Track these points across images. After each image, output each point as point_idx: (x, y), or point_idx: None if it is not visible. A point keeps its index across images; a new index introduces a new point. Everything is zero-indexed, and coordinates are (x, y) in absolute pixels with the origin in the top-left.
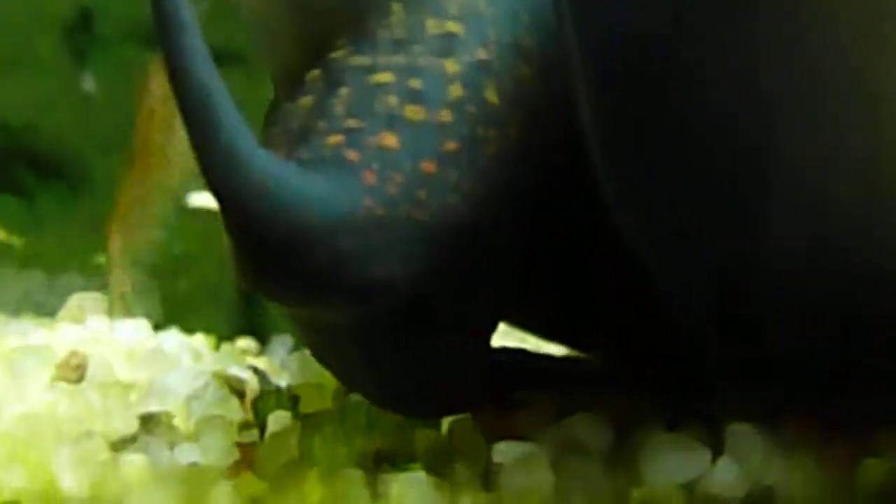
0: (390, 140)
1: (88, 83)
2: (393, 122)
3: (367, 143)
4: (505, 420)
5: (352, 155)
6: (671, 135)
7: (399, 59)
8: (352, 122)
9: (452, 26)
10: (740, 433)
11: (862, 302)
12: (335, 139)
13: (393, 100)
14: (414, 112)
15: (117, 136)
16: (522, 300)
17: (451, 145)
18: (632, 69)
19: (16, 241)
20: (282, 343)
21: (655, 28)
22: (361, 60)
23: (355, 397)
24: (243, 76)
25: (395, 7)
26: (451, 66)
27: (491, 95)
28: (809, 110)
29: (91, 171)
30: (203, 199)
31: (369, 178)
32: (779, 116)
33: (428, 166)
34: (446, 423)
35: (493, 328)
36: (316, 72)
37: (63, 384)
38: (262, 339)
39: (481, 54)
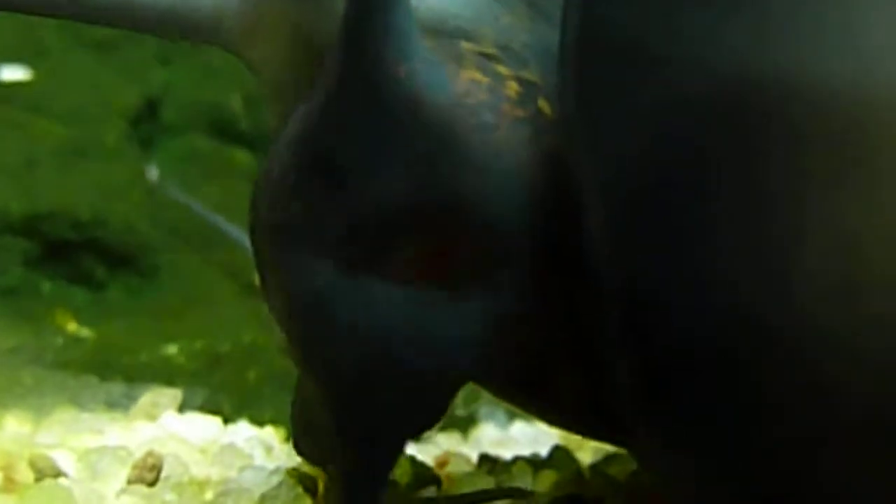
0: (472, 74)
1: (153, 173)
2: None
3: (460, 70)
4: None
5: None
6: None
7: (443, 54)
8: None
9: (490, 50)
10: None
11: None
12: None
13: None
14: (476, 75)
15: (185, 225)
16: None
17: (520, 112)
18: (644, 196)
19: (86, 332)
20: None
21: (666, 172)
22: None
23: (427, 494)
24: None
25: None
26: (500, 68)
27: (545, 107)
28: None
29: (160, 260)
30: None
31: (464, 75)
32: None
33: (505, 107)
34: None
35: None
36: None
37: (139, 486)
38: None
39: (528, 75)
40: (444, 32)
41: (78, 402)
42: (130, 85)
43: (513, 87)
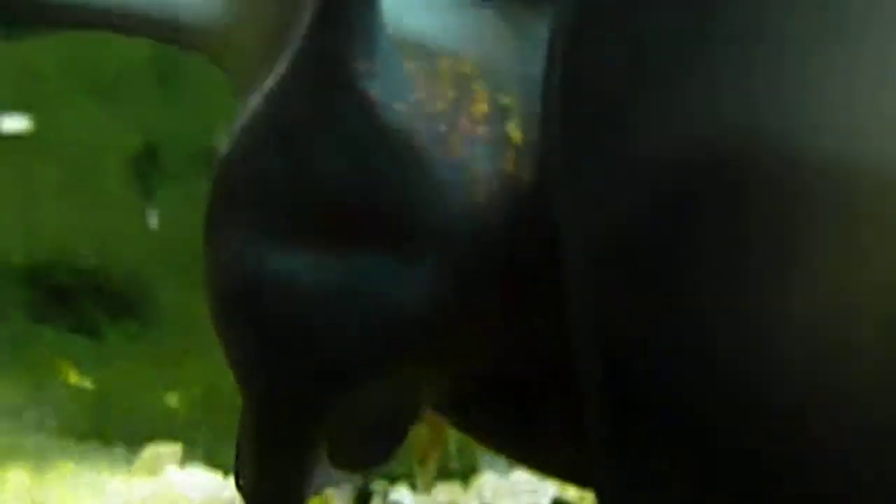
0: (432, 83)
1: (153, 217)
2: (428, 80)
3: (420, 77)
4: None
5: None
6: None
7: (417, 64)
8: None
9: (468, 69)
10: None
11: None
12: None
13: (421, 78)
14: (444, 88)
15: (185, 270)
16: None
17: (481, 130)
18: (627, 267)
19: (87, 382)
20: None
21: (652, 226)
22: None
23: None
24: None
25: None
26: (474, 85)
27: (513, 131)
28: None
29: (161, 306)
30: None
31: (422, 83)
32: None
33: (464, 123)
34: None
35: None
36: None
37: None
38: None
39: (503, 98)
40: (425, 49)
41: (79, 458)
42: (130, 129)
43: (480, 107)
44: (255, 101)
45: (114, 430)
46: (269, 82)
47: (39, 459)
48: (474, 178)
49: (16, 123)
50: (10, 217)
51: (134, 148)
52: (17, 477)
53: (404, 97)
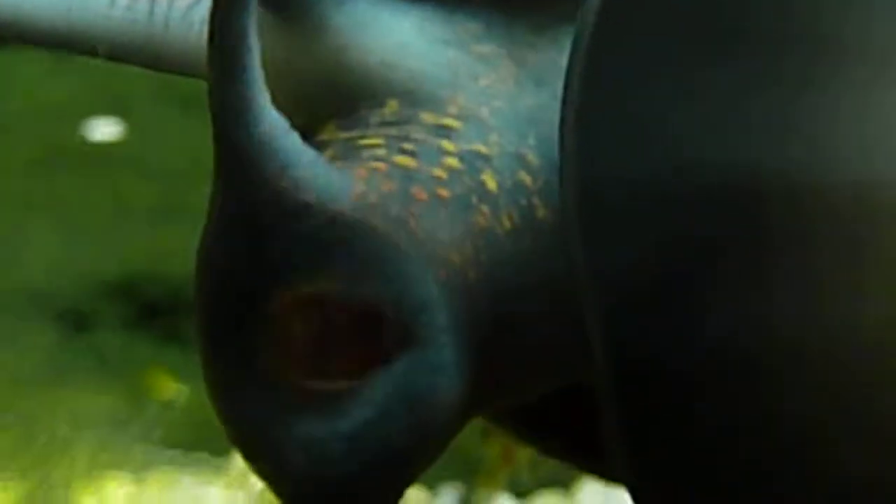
0: (379, 165)
1: None
2: (380, 160)
3: (357, 169)
4: None
5: (341, 165)
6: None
7: (390, 130)
8: (339, 164)
9: (450, 121)
10: None
11: None
12: None
13: (381, 151)
14: (404, 160)
15: None
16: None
17: (444, 192)
18: (645, 300)
19: (182, 392)
20: None
21: (672, 264)
22: (348, 134)
23: None
24: None
25: (391, 101)
26: (446, 144)
27: (489, 181)
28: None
29: None
30: None
31: (362, 173)
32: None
33: (418, 192)
34: None
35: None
36: None
37: None
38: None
39: (481, 148)
40: (415, 99)
41: (177, 466)
42: None
43: (447, 165)
44: (203, 238)
45: (209, 438)
46: (209, 220)
47: (138, 467)
48: (446, 240)
49: (108, 129)
50: (102, 231)
51: None
52: (116, 484)
53: (341, 193)
